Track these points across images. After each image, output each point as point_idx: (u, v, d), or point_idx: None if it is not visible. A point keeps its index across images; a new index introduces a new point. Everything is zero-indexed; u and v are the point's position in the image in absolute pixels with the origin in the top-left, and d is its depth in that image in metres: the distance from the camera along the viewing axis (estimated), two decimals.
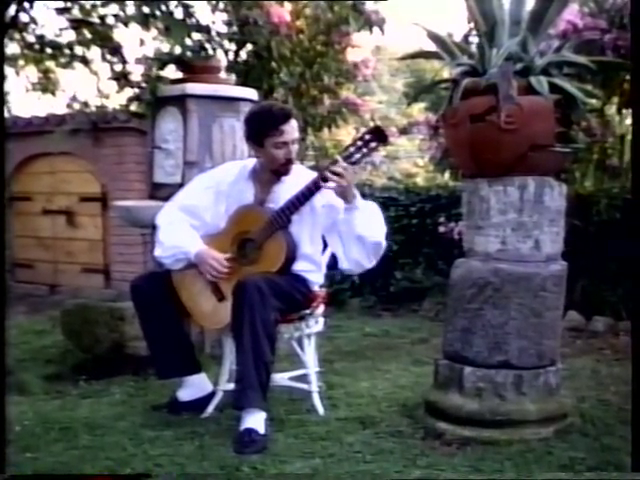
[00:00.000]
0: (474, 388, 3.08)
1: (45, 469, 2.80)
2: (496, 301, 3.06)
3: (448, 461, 2.84)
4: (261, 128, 3.30)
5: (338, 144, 7.44)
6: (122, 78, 4.95)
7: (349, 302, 6.37)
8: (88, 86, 5.44)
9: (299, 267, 3.36)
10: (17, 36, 5.24)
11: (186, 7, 4.86)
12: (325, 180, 3.16)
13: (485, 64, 3.10)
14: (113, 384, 3.93)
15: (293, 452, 2.93)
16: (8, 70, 5.34)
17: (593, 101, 3.68)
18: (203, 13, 6.40)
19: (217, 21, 5.33)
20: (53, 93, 5.71)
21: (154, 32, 4.95)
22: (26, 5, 5.06)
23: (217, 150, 4.53)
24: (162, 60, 4.82)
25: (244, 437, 3.00)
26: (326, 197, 3.27)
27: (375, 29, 5.77)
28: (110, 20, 5.01)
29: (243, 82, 5.53)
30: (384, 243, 3.29)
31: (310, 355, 3.48)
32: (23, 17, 5.11)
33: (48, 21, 9.65)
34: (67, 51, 5.17)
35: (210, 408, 3.41)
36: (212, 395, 3.45)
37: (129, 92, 5.00)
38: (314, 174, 3.29)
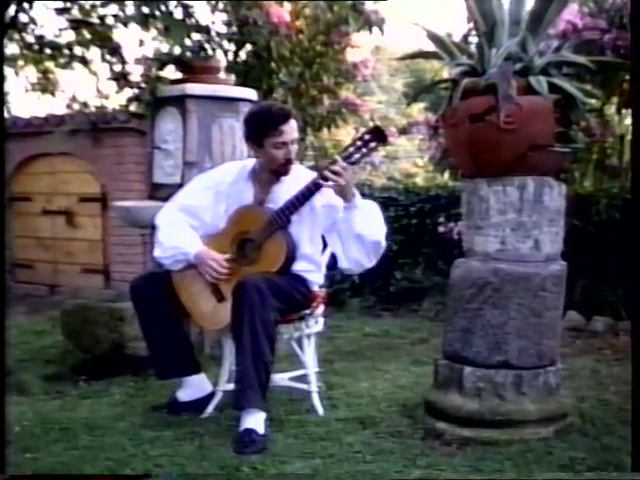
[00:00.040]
0: (474, 388, 3.08)
1: (45, 469, 2.80)
2: (496, 301, 3.06)
3: (448, 461, 2.84)
4: (260, 128, 3.30)
5: (337, 144, 7.44)
6: (121, 78, 4.95)
7: (349, 302, 6.37)
8: (87, 86, 5.44)
9: (299, 267, 3.36)
10: (16, 36, 5.23)
11: (185, 7, 4.86)
12: (324, 180, 3.16)
13: (484, 64, 3.10)
14: (113, 384, 3.93)
15: (293, 452, 2.93)
16: (7, 70, 5.34)
17: (592, 101, 3.68)
18: (202, 13, 6.40)
19: (217, 21, 5.34)
20: (52, 93, 5.71)
21: (153, 32, 4.95)
22: (25, 5, 5.05)
23: (216, 150, 4.53)
24: (161, 60, 4.82)
25: (244, 437, 3.00)
26: (326, 197, 3.27)
27: (375, 29, 5.77)
28: (109, 20, 5.01)
29: (242, 82, 5.53)
30: (384, 242, 3.28)
31: (310, 355, 3.48)
32: (22, 17, 5.11)
33: (47, 21, 9.65)
34: (66, 51, 5.16)
35: (210, 408, 3.41)
36: (212, 395, 3.45)
37: (128, 92, 5.00)
38: (314, 174, 3.29)
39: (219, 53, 5.24)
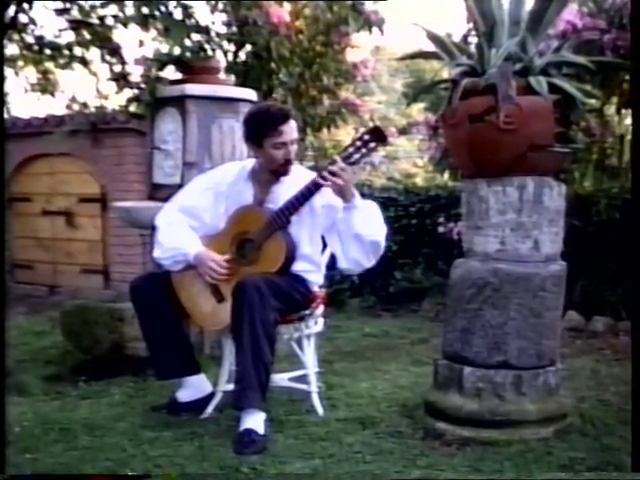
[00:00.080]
0: (474, 388, 3.08)
1: (45, 470, 2.80)
2: (495, 301, 3.06)
3: (448, 461, 2.84)
4: (260, 129, 3.30)
5: (337, 144, 7.43)
6: (121, 79, 4.95)
7: (349, 302, 6.37)
8: (87, 87, 5.44)
9: (298, 267, 3.36)
10: (16, 37, 5.24)
11: (185, 8, 4.86)
12: (324, 180, 3.16)
13: (484, 64, 3.10)
14: (112, 385, 3.93)
15: (293, 452, 2.93)
16: (7, 71, 5.34)
17: (592, 101, 3.68)
18: (202, 14, 6.40)
19: (216, 22, 5.35)
20: (52, 94, 5.71)
21: (153, 33, 4.95)
22: (25, 6, 5.05)
23: (216, 151, 4.54)
24: (161, 61, 4.82)
25: (244, 438, 3.00)
26: (325, 197, 3.27)
27: (374, 29, 5.77)
28: (109, 21, 5.01)
29: (242, 83, 5.53)
30: (383, 242, 3.28)
31: (309, 356, 3.48)
32: (22, 18, 5.12)
33: (47, 22, 9.65)
34: (66, 52, 5.17)
35: (209, 409, 3.41)
36: (211, 396, 3.45)
37: (128, 93, 5.00)
38: (313, 174, 3.29)
39: (219, 53, 5.25)
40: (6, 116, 6.11)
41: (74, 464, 2.85)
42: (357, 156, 3.20)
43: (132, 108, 5.21)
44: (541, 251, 3.08)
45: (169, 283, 3.39)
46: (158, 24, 4.82)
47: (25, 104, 12.07)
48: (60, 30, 5.17)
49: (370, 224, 3.24)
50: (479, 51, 3.17)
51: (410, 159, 11.50)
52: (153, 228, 3.51)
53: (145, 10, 4.77)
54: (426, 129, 5.92)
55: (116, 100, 5.41)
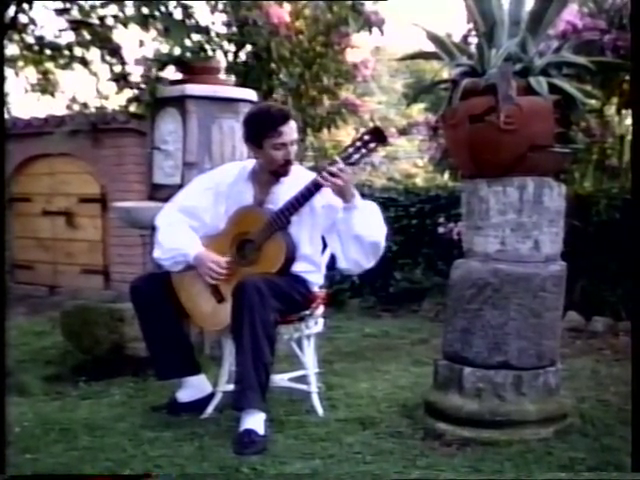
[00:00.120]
0: (474, 389, 3.08)
1: (45, 470, 2.80)
2: (495, 302, 3.06)
3: (448, 461, 2.84)
4: (260, 129, 3.30)
5: (337, 145, 7.44)
6: (121, 79, 4.95)
7: (349, 303, 6.37)
8: (87, 87, 5.44)
9: (299, 268, 3.36)
10: (16, 37, 5.24)
11: (185, 8, 4.86)
12: (324, 180, 3.16)
13: (484, 64, 3.10)
14: (113, 385, 3.93)
15: (293, 453, 2.93)
16: (7, 71, 5.34)
17: (592, 101, 3.68)
18: (202, 14, 6.40)
19: (216, 22, 5.35)
20: (52, 94, 5.71)
21: (153, 33, 4.94)
22: (25, 6, 5.05)
23: (216, 151, 4.53)
24: (161, 61, 4.82)
25: (244, 438, 3.00)
26: (325, 198, 3.27)
27: (374, 30, 5.77)
28: (109, 21, 5.01)
29: (242, 83, 5.53)
30: (383, 243, 3.28)
31: (309, 356, 3.48)
32: (22, 18, 5.12)
33: (47, 22, 9.66)
34: (66, 52, 5.17)
35: (210, 409, 3.41)
36: (211, 396, 3.45)
37: (128, 93, 5.00)
38: (313, 175, 3.29)
39: (219, 54, 5.25)
40: (6, 116, 6.11)
41: (74, 464, 2.85)
42: (357, 156, 3.20)
43: (132, 108, 5.21)
44: (541, 251, 3.08)
45: (169, 283, 3.39)
46: (158, 24, 4.82)
47: (25, 104, 12.07)
48: (60, 30, 5.17)
49: (370, 225, 3.24)
50: (479, 51, 3.17)
51: (410, 159, 11.50)
52: (153, 228, 3.51)
53: (145, 10, 4.77)
54: (426, 129, 5.92)
55: (116, 100, 5.42)
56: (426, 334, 5.24)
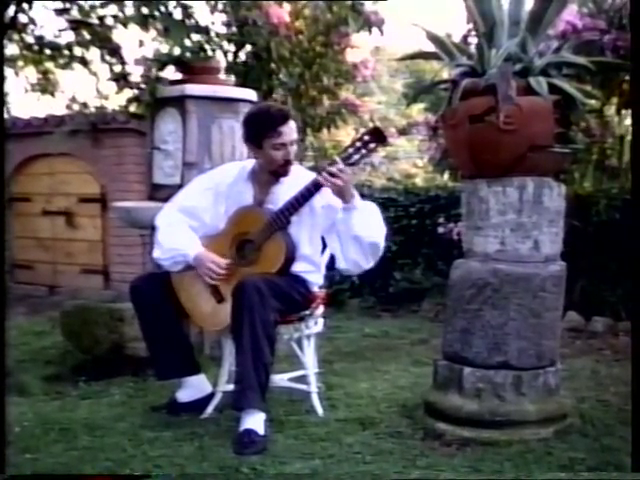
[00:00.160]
0: (473, 389, 3.08)
1: (45, 470, 2.80)
2: (495, 302, 3.06)
3: (448, 462, 2.84)
4: (259, 130, 3.30)
5: (337, 145, 7.44)
6: (121, 79, 4.95)
7: (348, 303, 6.37)
8: (87, 87, 5.44)
9: (298, 268, 3.36)
10: (16, 37, 5.24)
11: (185, 8, 4.86)
12: (323, 180, 3.16)
13: (484, 65, 3.10)
14: (112, 385, 3.93)
15: (292, 453, 2.93)
16: (7, 71, 5.33)
17: (592, 102, 3.68)
18: (202, 14, 6.39)
19: (216, 22, 5.34)
20: (52, 94, 5.71)
21: (153, 33, 4.94)
22: (25, 6, 5.05)
23: (216, 151, 4.54)
24: (161, 61, 4.82)
25: (243, 438, 3.00)
26: (325, 198, 3.27)
27: (374, 30, 5.77)
28: (109, 21, 5.01)
29: (242, 83, 5.53)
30: (382, 244, 3.28)
31: (309, 356, 3.48)
32: (22, 18, 5.12)
33: (47, 22, 9.66)
34: (66, 52, 5.16)
35: (209, 409, 3.41)
36: (211, 396, 3.45)
37: (128, 93, 5.00)
38: (313, 175, 3.29)
39: (219, 54, 5.24)
40: (6, 116, 6.11)
41: (74, 464, 2.85)
42: (357, 157, 3.20)
43: (132, 108, 5.21)
44: (541, 251, 3.08)
45: (169, 283, 3.39)
46: (158, 24, 4.82)
47: (25, 104, 12.07)
48: (60, 30, 5.17)
49: (369, 225, 3.24)
50: (479, 51, 3.17)
51: (410, 159, 11.50)
52: (153, 228, 3.51)
53: (145, 10, 4.77)
54: (426, 129, 5.91)
55: (116, 100, 5.41)
56: (426, 334, 5.24)
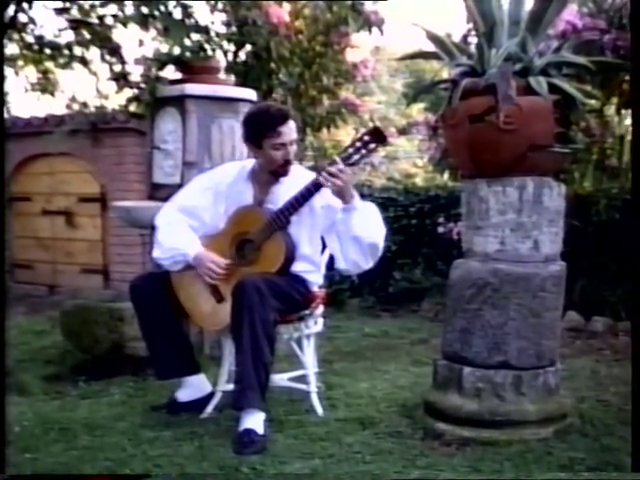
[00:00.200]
0: (473, 388, 3.08)
1: (44, 469, 2.80)
2: (495, 301, 3.06)
3: (447, 461, 2.84)
4: (259, 130, 3.30)
5: (337, 144, 7.43)
6: (121, 79, 4.95)
7: (348, 302, 6.37)
8: (87, 87, 5.44)
9: (298, 268, 3.36)
10: (16, 36, 5.23)
11: (185, 7, 4.85)
12: (323, 181, 3.16)
13: (484, 64, 3.10)
14: (112, 385, 3.93)
15: (292, 453, 2.94)
16: (7, 70, 5.33)
17: (592, 101, 3.68)
18: (202, 13, 6.40)
19: (216, 21, 5.34)
20: (52, 94, 5.71)
21: (153, 32, 4.94)
22: (25, 5, 5.05)
23: (216, 151, 4.54)
24: (161, 60, 4.82)
25: (243, 437, 3.00)
26: (325, 198, 3.27)
27: (374, 29, 5.77)
28: (109, 20, 5.00)
29: (242, 83, 5.53)
30: (382, 244, 3.28)
31: (309, 356, 3.48)
32: (22, 17, 5.11)
33: (47, 21, 9.66)
34: (66, 51, 5.16)
35: (209, 409, 3.41)
36: (211, 396, 3.45)
37: (128, 92, 5.00)
38: (313, 175, 3.29)
39: (219, 53, 5.24)
40: (6, 116, 6.11)
41: (74, 464, 2.85)
42: (357, 157, 3.20)
43: (132, 108, 5.21)
44: (541, 251, 3.08)
45: (169, 283, 3.39)
46: (158, 24, 4.82)
47: (25, 104, 12.09)
48: (60, 30, 5.17)
49: (369, 226, 3.24)
50: (479, 51, 3.17)
51: (410, 159, 11.50)
52: (153, 228, 3.51)
53: (145, 10, 4.77)
54: (426, 129, 5.91)
55: (116, 100, 5.41)
56: (425, 334, 5.24)
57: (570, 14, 3.66)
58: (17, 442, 3.01)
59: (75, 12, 5.13)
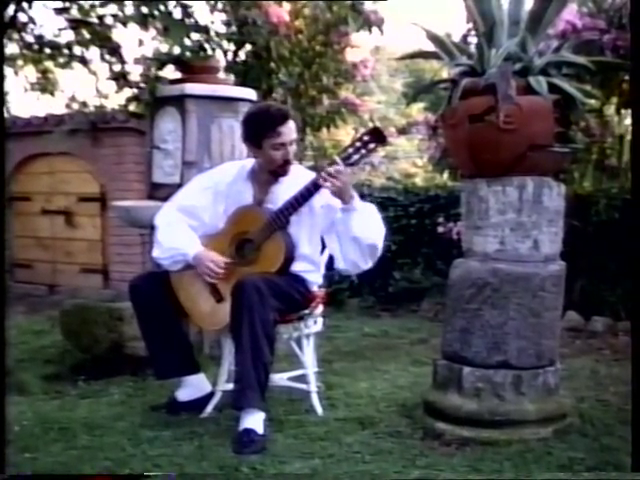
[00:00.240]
0: (473, 388, 3.08)
1: (44, 469, 2.80)
2: (495, 301, 3.06)
3: (447, 461, 2.84)
4: (259, 130, 3.30)
5: (337, 144, 7.44)
6: (121, 78, 4.95)
7: (348, 302, 6.37)
8: (87, 86, 5.43)
9: (298, 267, 3.36)
10: (16, 36, 5.23)
11: (185, 7, 4.85)
12: (323, 181, 3.16)
13: (484, 64, 3.10)
14: (112, 384, 3.93)
15: (292, 452, 2.94)
16: (7, 70, 5.33)
17: (592, 101, 3.68)
18: (202, 13, 6.40)
19: (216, 21, 5.33)
20: (52, 93, 5.70)
21: (153, 32, 4.94)
22: (25, 5, 5.05)
23: (216, 150, 4.53)
24: (161, 60, 4.82)
25: (243, 437, 3.00)
26: (325, 197, 3.27)
27: (374, 29, 5.77)
28: (109, 20, 5.00)
29: (242, 82, 5.53)
30: (381, 245, 3.28)
31: (309, 355, 3.48)
32: (22, 17, 5.10)
33: (47, 21, 9.66)
34: (66, 51, 5.15)
35: (209, 408, 3.41)
36: (211, 395, 3.45)
37: (128, 92, 4.99)
38: (313, 174, 3.29)
39: (218, 53, 5.24)
40: (6, 115, 6.11)
41: (73, 463, 2.85)
42: (356, 157, 3.20)
43: (132, 107, 5.20)
44: (540, 251, 3.08)
45: (168, 282, 3.39)
46: (157, 23, 4.81)
47: (25, 103, 12.09)
48: (60, 29, 5.16)
49: (368, 227, 3.24)
50: (479, 51, 3.17)
51: (409, 159, 11.51)
52: (152, 227, 3.51)
53: (144, 9, 4.76)
54: (426, 129, 5.92)
55: (116, 99, 5.41)
56: (425, 334, 5.24)
57: (570, 14, 3.66)
58: (17, 442, 3.01)
59: (75, 12, 5.12)
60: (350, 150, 3.20)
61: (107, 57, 4.98)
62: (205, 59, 4.78)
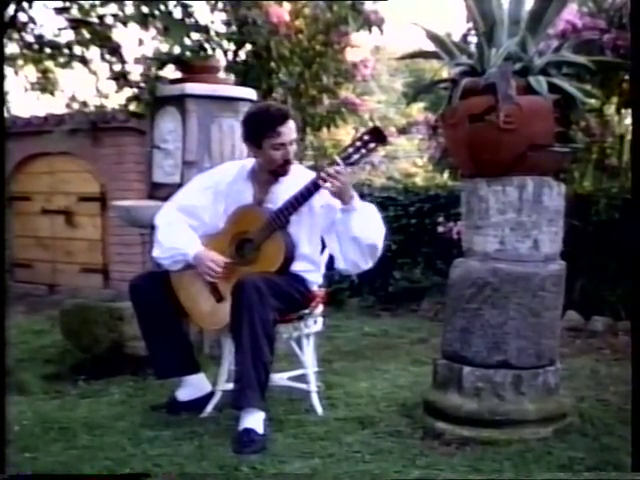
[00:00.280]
0: (473, 388, 3.08)
1: (44, 469, 2.80)
2: (495, 301, 3.06)
3: (447, 461, 2.84)
4: (259, 130, 3.30)
5: (337, 144, 7.44)
6: (121, 78, 4.94)
7: (348, 302, 6.37)
8: (87, 86, 5.43)
9: (298, 267, 3.36)
10: (16, 36, 5.23)
11: (185, 7, 4.85)
12: (322, 181, 3.16)
13: (484, 64, 3.10)
14: (112, 384, 3.93)
15: (292, 452, 2.93)
16: (7, 70, 5.33)
17: (592, 101, 3.69)
18: (202, 13, 6.40)
19: (216, 21, 5.34)
20: (52, 93, 5.71)
21: (153, 32, 4.94)
22: (25, 5, 5.05)
23: (216, 150, 4.53)
24: (161, 60, 4.82)
25: (243, 437, 3.00)
26: (325, 197, 3.27)
27: (374, 29, 5.77)
28: (109, 20, 5.00)
29: (242, 82, 5.53)
30: (381, 245, 3.28)
31: (309, 355, 3.48)
32: (22, 17, 5.11)
33: (47, 21, 9.65)
34: (66, 51, 5.16)
35: (209, 408, 3.41)
36: (211, 395, 3.45)
37: (128, 92, 4.99)
38: (313, 174, 3.29)
39: (218, 53, 5.24)
40: (6, 115, 6.11)
41: (73, 463, 2.85)
42: (357, 157, 3.20)
43: (132, 107, 5.20)
44: (540, 251, 3.08)
45: (168, 282, 3.39)
46: (158, 23, 4.81)
47: (25, 103, 12.09)
48: (60, 29, 5.16)
49: (368, 227, 3.24)
50: (479, 51, 3.17)
51: (410, 159, 11.51)
52: (152, 227, 3.51)
53: (145, 9, 4.76)
54: (426, 129, 5.92)
55: (116, 99, 5.41)
56: (425, 333, 5.24)
57: (570, 13, 3.67)
58: (17, 441, 3.01)
59: (75, 11, 5.12)
60: (350, 150, 3.20)
61: (107, 57, 4.98)
62: (205, 59, 4.78)
